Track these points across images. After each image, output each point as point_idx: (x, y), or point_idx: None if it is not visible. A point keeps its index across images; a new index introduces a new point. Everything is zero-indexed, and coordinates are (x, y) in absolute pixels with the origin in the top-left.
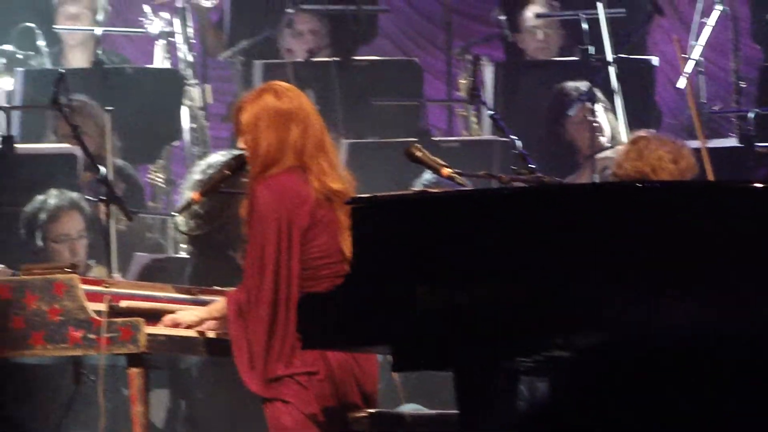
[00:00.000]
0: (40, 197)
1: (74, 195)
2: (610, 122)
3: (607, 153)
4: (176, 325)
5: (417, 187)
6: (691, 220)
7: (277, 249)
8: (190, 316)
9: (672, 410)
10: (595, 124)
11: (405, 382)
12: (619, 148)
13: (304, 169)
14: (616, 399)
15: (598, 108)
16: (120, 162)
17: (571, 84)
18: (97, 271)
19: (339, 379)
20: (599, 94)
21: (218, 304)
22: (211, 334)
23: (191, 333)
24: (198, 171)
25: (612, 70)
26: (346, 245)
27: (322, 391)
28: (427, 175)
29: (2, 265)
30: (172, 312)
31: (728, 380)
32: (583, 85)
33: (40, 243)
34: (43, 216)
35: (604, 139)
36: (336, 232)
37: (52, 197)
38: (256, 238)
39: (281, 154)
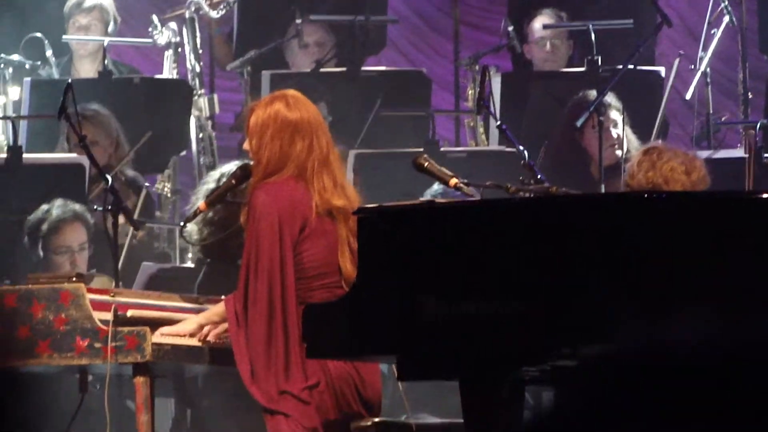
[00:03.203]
0: (44, 207)
1: (77, 206)
2: (628, 135)
3: None
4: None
5: (425, 197)
6: (701, 231)
7: (271, 252)
8: (189, 324)
9: (677, 421)
10: (615, 136)
11: (410, 391)
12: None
13: (305, 180)
14: (621, 409)
15: (618, 119)
16: (131, 173)
17: (593, 93)
18: (99, 282)
19: (339, 390)
20: (617, 104)
21: (217, 308)
22: (215, 342)
23: (196, 342)
24: (211, 180)
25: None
26: (345, 259)
27: (323, 403)
28: (436, 186)
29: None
30: (178, 321)
31: (736, 392)
32: (592, 95)
33: (41, 253)
34: (44, 227)
35: (619, 152)
36: (334, 245)
37: (56, 208)
38: (251, 242)
39: (282, 165)
